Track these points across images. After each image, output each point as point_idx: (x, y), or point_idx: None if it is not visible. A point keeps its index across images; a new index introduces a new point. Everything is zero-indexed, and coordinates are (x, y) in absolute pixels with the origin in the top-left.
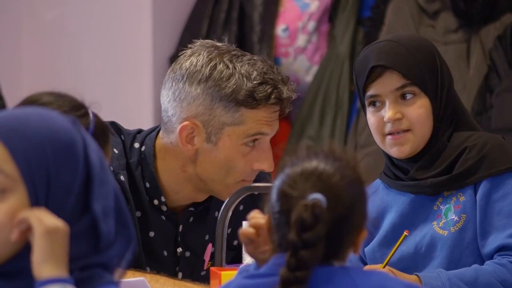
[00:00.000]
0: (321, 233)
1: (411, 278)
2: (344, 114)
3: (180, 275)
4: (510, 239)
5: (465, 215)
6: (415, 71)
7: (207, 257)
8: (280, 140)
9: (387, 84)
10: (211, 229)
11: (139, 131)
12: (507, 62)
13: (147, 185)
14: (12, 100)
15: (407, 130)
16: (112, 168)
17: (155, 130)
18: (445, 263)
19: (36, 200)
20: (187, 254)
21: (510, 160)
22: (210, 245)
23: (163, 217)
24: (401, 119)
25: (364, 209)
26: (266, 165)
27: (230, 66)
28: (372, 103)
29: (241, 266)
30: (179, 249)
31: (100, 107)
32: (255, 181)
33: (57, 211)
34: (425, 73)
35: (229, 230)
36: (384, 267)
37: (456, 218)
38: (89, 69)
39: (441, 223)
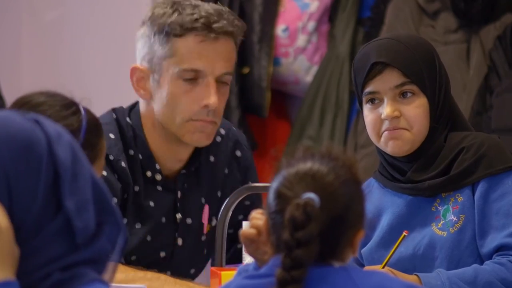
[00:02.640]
0: (314, 231)
1: (411, 278)
2: (344, 114)
3: (180, 240)
4: (509, 239)
5: (463, 216)
6: (415, 70)
7: (205, 220)
8: (280, 140)
9: (387, 81)
10: (205, 190)
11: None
12: (507, 62)
13: (140, 157)
14: (12, 100)
15: (404, 129)
16: (112, 157)
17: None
18: (444, 264)
19: None
20: (188, 221)
21: (507, 159)
22: (206, 206)
23: (159, 188)
24: (398, 117)
25: (360, 208)
26: (209, 100)
27: (170, 4)
28: (370, 100)
29: (240, 266)
30: (178, 215)
31: (90, 102)
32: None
33: (23, 215)
34: (424, 72)
35: (219, 193)
36: (383, 267)
37: (455, 218)
38: (89, 69)
39: (439, 224)
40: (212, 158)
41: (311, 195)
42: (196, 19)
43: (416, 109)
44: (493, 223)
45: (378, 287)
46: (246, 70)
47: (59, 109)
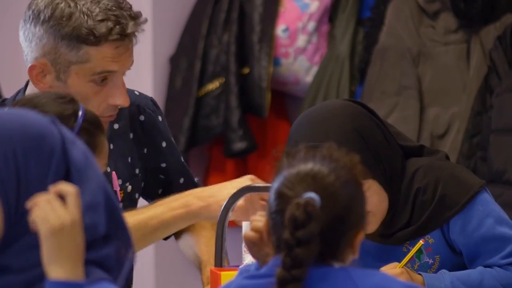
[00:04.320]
0: (314, 231)
1: (418, 278)
2: None
3: None
4: (505, 260)
5: (438, 256)
6: None
7: (116, 187)
8: (280, 141)
9: None
10: (111, 157)
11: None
12: (507, 62)
13: None
14: None
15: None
16: None
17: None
18: None
19: (5, 194)
20: None
21: (467, 188)
22: (114, 174)
23: None
24: None
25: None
26: (121, 100)
27: (72, 4)
28: None
29: (241, 266)
30: None
31: None
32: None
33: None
34: None
35: (130, 159)
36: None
37: (430, 261)
38: None
39: (415, 266)
40: (116, 126)
41: (311, 195)
42: (111, 29)
43: (371, 200)
44: (483, 250)
45: (378, 287)
46: (246, 70)
47: (54, 97)
